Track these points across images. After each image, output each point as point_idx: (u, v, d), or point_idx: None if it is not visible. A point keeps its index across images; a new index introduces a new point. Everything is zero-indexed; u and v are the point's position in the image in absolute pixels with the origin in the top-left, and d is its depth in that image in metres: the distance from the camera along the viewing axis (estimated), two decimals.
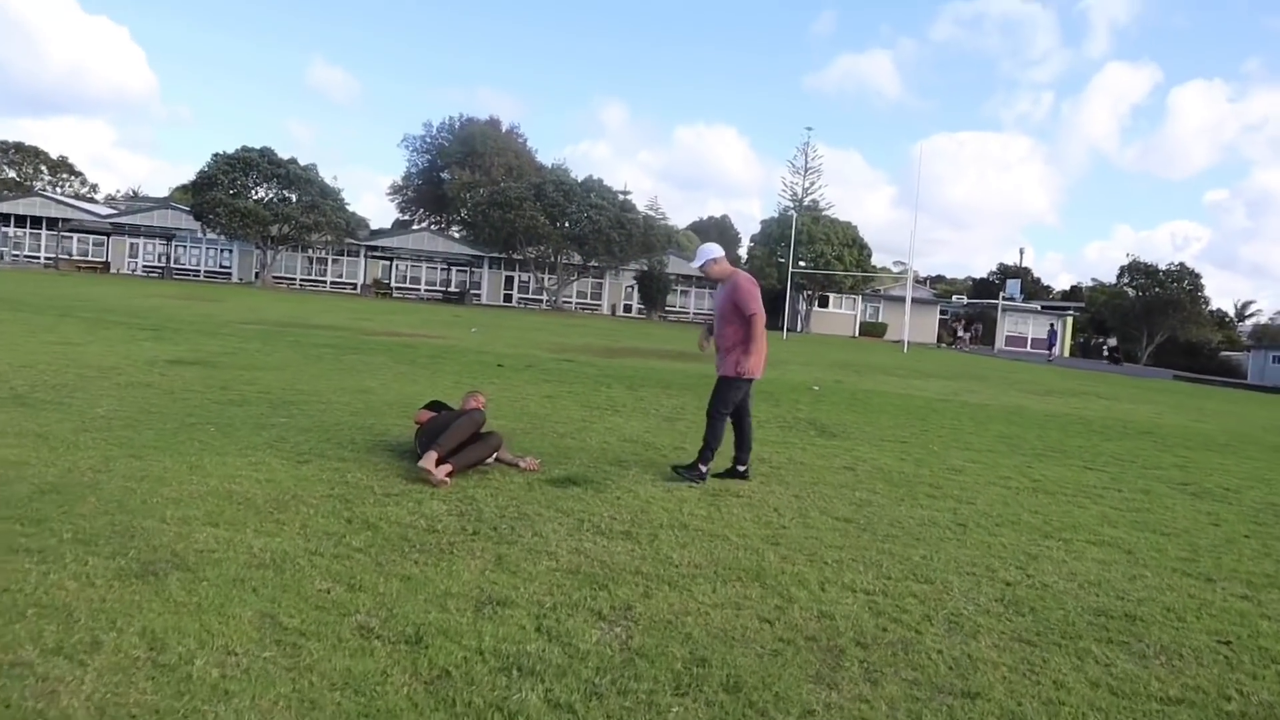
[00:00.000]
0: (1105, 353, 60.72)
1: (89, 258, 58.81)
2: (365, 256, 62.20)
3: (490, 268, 63.48)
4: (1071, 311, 65.49)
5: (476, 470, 6.57)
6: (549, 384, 13.49)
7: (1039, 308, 63.96)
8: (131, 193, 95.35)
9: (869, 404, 14.34)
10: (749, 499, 6.57)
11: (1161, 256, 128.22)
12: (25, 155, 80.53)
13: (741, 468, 7.23)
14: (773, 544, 5.38)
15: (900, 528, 6.06)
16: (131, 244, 60.07)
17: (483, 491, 6.04)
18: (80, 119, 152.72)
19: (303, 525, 4.96)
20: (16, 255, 57.88)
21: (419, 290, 62.29)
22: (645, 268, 61.06)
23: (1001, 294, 57.89)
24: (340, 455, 6.84)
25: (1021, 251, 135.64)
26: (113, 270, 57.95)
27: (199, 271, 60.34)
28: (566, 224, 57.90)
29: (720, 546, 5.23)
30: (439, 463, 6.17)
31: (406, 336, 21.70)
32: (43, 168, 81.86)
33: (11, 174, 79.07)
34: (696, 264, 7.58)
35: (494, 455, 6.66)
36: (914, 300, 48.15)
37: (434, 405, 7.26)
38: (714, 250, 7.50)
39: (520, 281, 64.16)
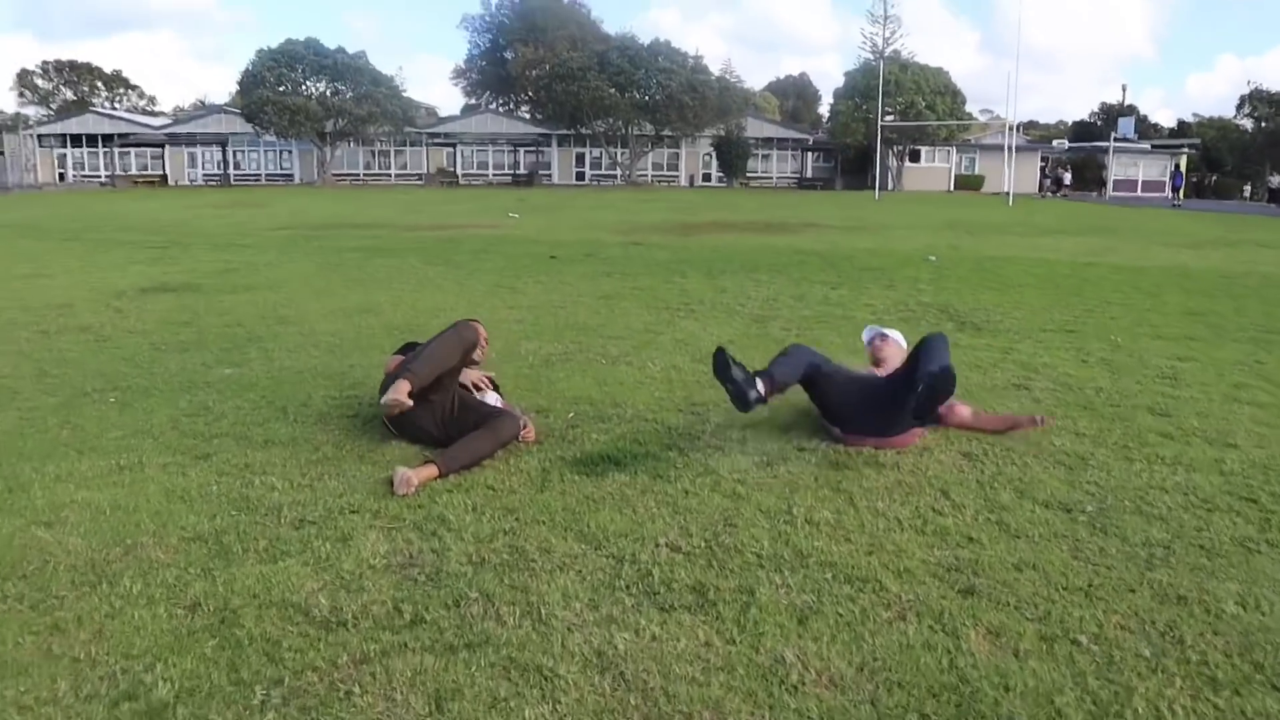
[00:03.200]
0: (1268, 193, 52.99)
1: (146, 172, 57.34)
2: (427, 145, 59.67)
3: (559, 146, 60.47)
4: (1185, 149, 59.75)
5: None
6: (609, 278, 11.05)
7: (1149, 147, 58.51)
8: (200, 103, 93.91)
9: (1003, 276, 11.57)
10: (896, 471, 4.13)
11: (1277, 82, 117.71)
12: (80, 73, 79.20)
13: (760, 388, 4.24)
14: (965, 593, 2.95)
15: (1159, 518, 3.55)
16: (189, 154, 58.29)
17: (460, 500, 3.70)
18: (145, 33, 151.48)
19: (97, 631, 2.70)
20: (73, 176, 56.78)
21: (486, 175, 59.79)
22: (722, 133, 57.31)
23: (1112, 134, 52.69)
24: (266, 437, 4.58)
25: (1124, 88, 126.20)
26: (171, 182, 56.45)
27: (260, 176, 58.57)
28: (635, 93, 54.38)
29: (873, 614, 2.81)
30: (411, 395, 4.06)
31: (454, 229, 19.37)
32: (99, 84, 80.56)
33: (69, 94, 78.03)
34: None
35: (500, 445, 4.32)
36: (1013, 148, 43.83)
37: (409, 347, 4.91)
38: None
39: (591, 158, 61.09)
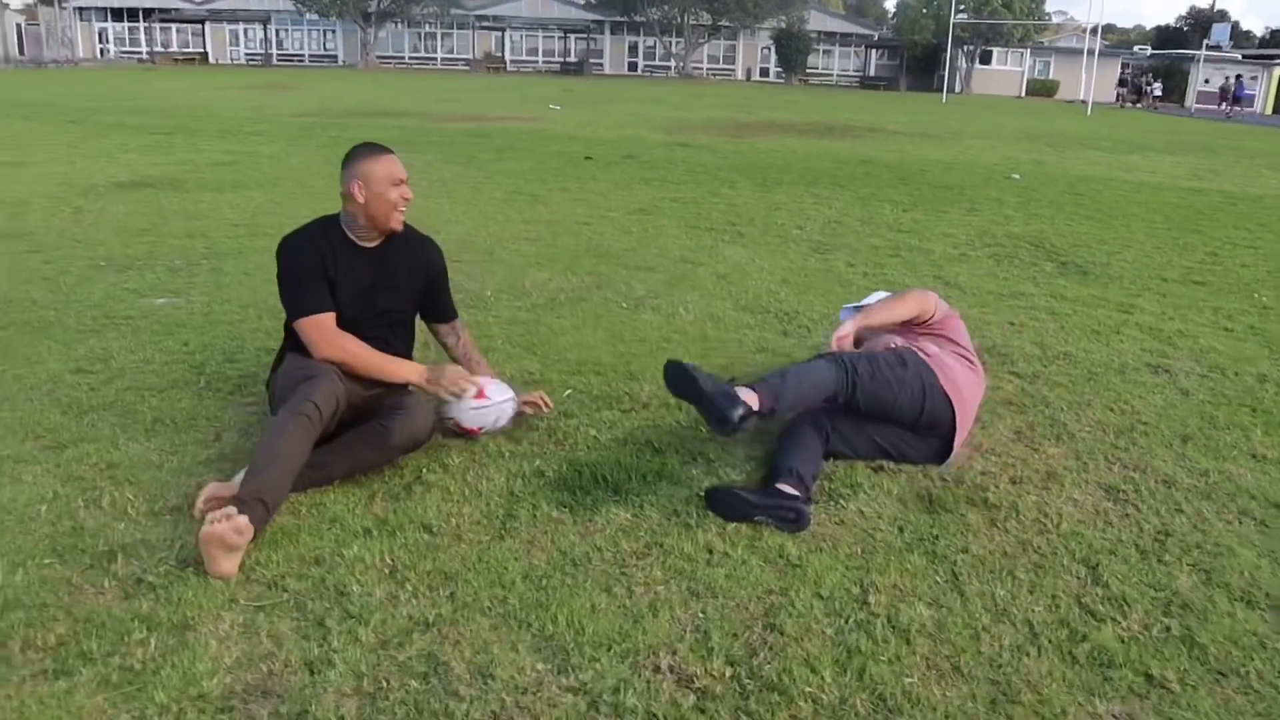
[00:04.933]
0: None
1: (188, 49, 55.47)
2: (474, 29, 57.29)
3: (612, 34, 57.78)
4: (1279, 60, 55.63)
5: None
6: (647, 186, 9.70)
7: (1240, 56, 54.53)
8: None
9: (1101, 203, 10.02)
10: (1014, 520, 2.88)
11: None
12: None
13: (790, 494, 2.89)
14: None
15: None
16: (231, 31, 56.21)
17: (376, 554, 2.52)
18: None
19: None
20: (114, 52, 55.15)
21: (535, 62, 57.44)
22: (783, 25, 54.28)
23: (1204, 41, 48.96)
24: (158, 413, 3.44)
25: None
26: (212, 61, 54.61)
27: (303, 56, 56.53)
28: None
29: None
30: (242, 506, 2.51)
31: (489, 121, 17.91)
32: None
33: None
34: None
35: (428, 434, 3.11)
36: (1091, 52, 40.79)
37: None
38: None
39: (645, 47, 58.39)
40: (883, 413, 3.18)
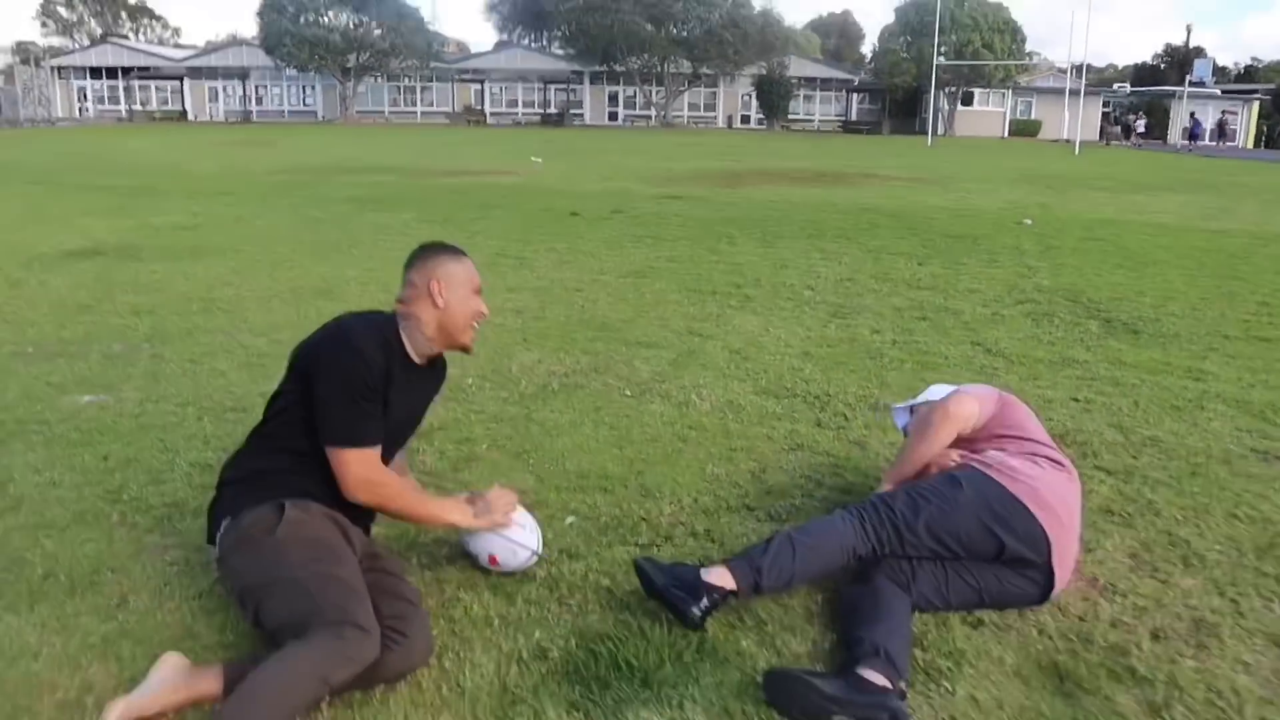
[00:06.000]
0: None
1: (166, 107, 54.89)
2: (454, 81, 57.04)
3: (591, 84, 57.65)
4: (1259, 95, 55.96)
5: None
6: (640, 245, 9.03)
7: (1219, 92, 54.82)
8: (232, 36, 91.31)
9: (1126, 248, 9.40)
10: None
11: None
12: (103, 3, 76.76)
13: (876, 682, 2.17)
14: None
15: None
16: (210, 88, 55.64)
17: None
18: None
19: None
20: (93, 110, 54.58)
21: (515, 114, 57.19)
22: (764, 72, 54.30)
23: (1187, 78, 49.09)
24: (49, 567, 2.68)
25: (1189, 29, 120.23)
26: (192, 118, 54.08)
27: (283, 111, 56.05)
28: (672, 27, 51.50)
29: None
30: None
31: (469, 176, 17.27)
32: (122, 14, 78.10)
33: (94, 25, 75.78)
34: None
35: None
36: (1074, 92, 40.67)
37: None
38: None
39: (625, 97, 58.26)
40: (951, 550, 2.49)
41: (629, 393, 4.43)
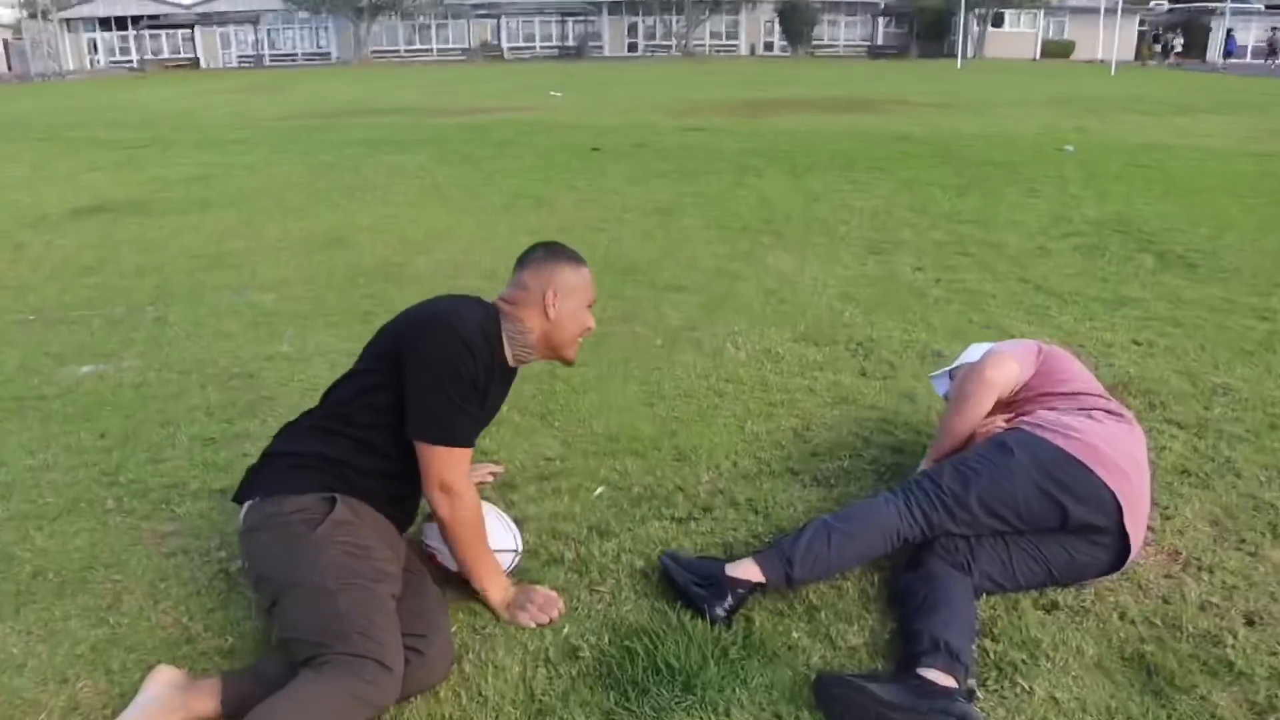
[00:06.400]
0: None
1: (178, 55, 54.08)
2: (470, 18, 55.98)
3: (610, 15, 56.41)
4: None
5: None
6: (664, 180, 8.71)
7: (1262, 7, 52.70)
8: None
9: (1172, 175, 8.97)
10: None
11: None
12: None
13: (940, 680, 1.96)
14: None
15: None
16: (221, 34, 54.73)
17: None
18: None
19: None
20: (104, 62, 53.90)
21: (533, 49, 56.15)
22: None
23: None
24: (38, 565, 2.49)
25: None
26: (204, 66, 53.23)
27: (295, 56, 55.17)
28: None
29: None
30: None
31: (486, 113, 16.86)
32: None
33: None
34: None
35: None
36: (1109, 10, 39.24)
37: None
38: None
39: (645, 27, 56.96)
40: (1010, 524, 2.26)
41: (659, 342, 4.19)
